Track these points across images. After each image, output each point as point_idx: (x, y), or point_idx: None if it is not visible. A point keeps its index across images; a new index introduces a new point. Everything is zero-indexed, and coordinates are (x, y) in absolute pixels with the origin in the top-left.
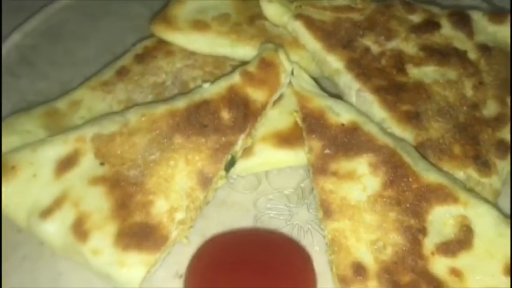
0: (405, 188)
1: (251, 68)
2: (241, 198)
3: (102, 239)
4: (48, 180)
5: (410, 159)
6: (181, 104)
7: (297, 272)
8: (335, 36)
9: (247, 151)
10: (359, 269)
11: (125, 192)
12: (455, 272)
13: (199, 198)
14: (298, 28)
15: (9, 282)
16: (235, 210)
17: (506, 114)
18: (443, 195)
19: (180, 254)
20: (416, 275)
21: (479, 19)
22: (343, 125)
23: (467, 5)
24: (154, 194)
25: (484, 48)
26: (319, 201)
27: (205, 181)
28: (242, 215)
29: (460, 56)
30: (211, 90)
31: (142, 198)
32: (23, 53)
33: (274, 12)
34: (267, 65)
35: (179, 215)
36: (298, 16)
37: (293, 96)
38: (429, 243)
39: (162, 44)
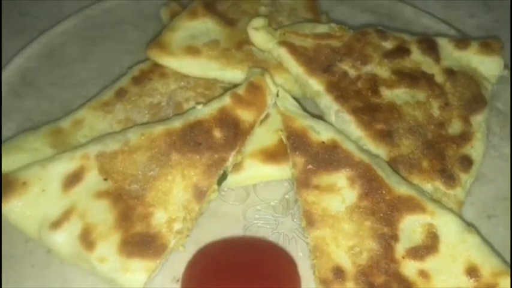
0: (379, 200)
1: (240, 91)
2: (232, 210)
3: (108, 248)
4: (57, 194)
5: (384, 173)
6: (177, 124)
7: (283, 274)
8: (316, 61)
9: (237, 166)
10: (338, 272)
11: (127, 205)
12: (423, 274)
13: (194, 210)
14: (283, 54)
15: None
16: (226, 220)
17: (469, 132)
18: (412, 206)
19: (177, 261)
20: (389, 276)
21: (445, 45)
22: (323, 142)
23: (436, 31)
24: (154, 206)
25: (450, 72)
26: (302, 211)
27: (200, 194)
28: (232, 224)
29: (428, 79)
30: (204, 111)
31: (143, 210)
32: (25, 75)
33: (260, 39)
34: (255, 88)
35: (177, 225)
36: (282, 43)
37: (278, 116)
38: (400, 249)
39: (156, 67)
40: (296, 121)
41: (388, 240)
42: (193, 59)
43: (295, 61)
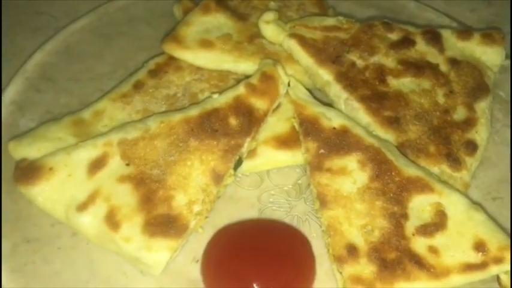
0: (389, 181)
1: (254, 81)
2: (247, 194)
3: (132, 228)
4: (82, 179)
5: (393, 156)
6: (194, 112)
7: (299, 253)
8: (325, 52)
9: (252, 153)
10: (352, 250)
11: (148, 188)
12: (433, 250)
13: (212, 193)
14: (293, 46)
15: (47, 270)
16: (242, 204)
17: (473, 118)
18: (421, 186)
19: (196, 242)
20: (400, 252)
21: (448, 36)
22: (334, 128)
23: (439, 24)
24: (174, 189)
25: (454, 62)
26: (316, 193)
27: (218, 178)
28: (248, 208)
29: (433, 68)
30: (220, 100)
31: (164, 193)
32: (44, 70)
33: (271, 33)
34: (268, 78)
35: (196, 207)
36: (292, 35)
37: (289, 104)
38: (410, 226)
39: (172, 60)
40: (308, 108)
41: (398, 218)
42: (207, 52)
43: (305, 52)
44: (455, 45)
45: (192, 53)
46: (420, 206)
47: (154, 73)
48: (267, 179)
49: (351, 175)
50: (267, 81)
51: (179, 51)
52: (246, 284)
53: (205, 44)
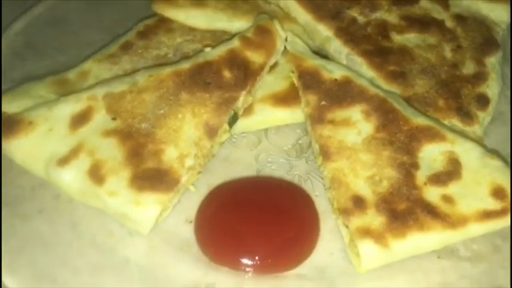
0: (396, 130)
1: (249, 34)
2: (244, 154)
3: (118, 182)
4: (64, 133)
5: (400, 106)
6: (185, 65)
7: (300, 210)
8: (323, 8)
9: (248, 110)
10: (358, 201)
11: (137, 142)
12: (447, 198)
13: (206, 147)
14: (290, 2)
15: (27, 231)
16: (239, 164)
17: (484, 72)
18: (431, 135)
19: (189, 202)
20: (411, 202)
21: None
22: (336, 80)
23: None
24: (164, 143)
25: (460, 18)
26: (318, 146)
27: (211, 131)
28: (245, 168)
29: (438, 24)
30: (212, 53)
31: (153, 147)
32: (28, 38)
33: None
34: (264, 31)
35: (189, 161)
36: None
37: (287, 64)
38: (421, 176)
39: (162, 22)
40: (307, 61)
41: (408, 168)
42: (200, 11)
43: (303, 8)
44: (460, 2)
45: (183, 11)
46: (431, 155)
47: (143, 34)
48: (265, 140)
49: (355, 126)
50: (262, 35)
51: (170, 10)
52: (244, 242)
53: (198, 2)
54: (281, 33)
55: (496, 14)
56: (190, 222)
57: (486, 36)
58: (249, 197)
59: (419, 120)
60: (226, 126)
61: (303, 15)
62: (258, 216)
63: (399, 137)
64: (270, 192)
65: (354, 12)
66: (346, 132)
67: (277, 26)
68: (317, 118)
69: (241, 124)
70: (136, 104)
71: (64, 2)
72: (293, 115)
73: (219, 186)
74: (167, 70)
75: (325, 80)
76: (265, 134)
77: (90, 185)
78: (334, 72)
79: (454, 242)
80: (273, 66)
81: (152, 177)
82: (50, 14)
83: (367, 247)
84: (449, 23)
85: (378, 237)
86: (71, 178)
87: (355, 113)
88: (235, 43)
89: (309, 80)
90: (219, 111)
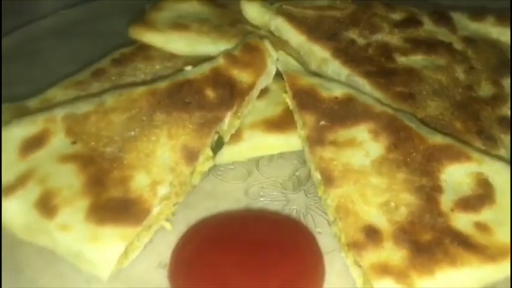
0: (411, 150)
1: (235, 52)
2: (231, 188)
3: (73, 214)
4: (13, 159)
5: (413, 124)
6: (162, 84)
7: (301, 247)
8: (318, 30)
9: (236, 136)
10: (371, 232)
11: (99, 168)
12: (481, 227)
13: (184, 173)
14: (281, 24)
15: None
16: (224, 198)
17: (503, 94)
18: (454, 154)
19: (163, 242)
20: (437, 232)
21: (459, 18)
22: (336, 98)
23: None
24: (133, 168)
25: (469, 40)
26: (319, 170)
27: (191, 155)
28: (232, 203)
29: (447, 46)
30: (194, 72)
31: (120, 173)
32: None
33: (255, 12)
34: (252, 49)
35: (162, 189)
36: (280, 12)
37: (280, 90)
38: (447, 201)
39: (140, 50)
40: (302, 79)
41: (429, 192)
42: (181, 34)
43: (296, 29)
44: (467, 26)
45: (163, 35)
46: (456, 178)
47: (118, 62)
48: (256, 171)
49: (362, 146)
50: (250, 53)
51: (148, 34)
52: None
53: (179, 26)
54: (272, 52)
55: (507, 37)
56: (164, 266)
57: (501, 58)
58: (237, 234)
59: (437, 139)
60: (209, 151)
61: (295, 36)
62: (247, 257)
63: (415, 158)
64: (262, 227)
65: (353, 34)
66: (352, 154)
67: (267, 44)
68: (316, 140)
69: (228, 152)
70: (103, 125)
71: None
72: (288, 142)
73: (200, 221)
74: (140, 89)
75: (323, 99)
76: (257, 165)
77: (37, 217)
78: (333, 90)
79: (495, 280)
80: (264, 92)
81: (116, 208)
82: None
83: (386, 286)
84: (458, 45)
85: (400, 275)
86: (16, 210)
87: (361, 132)
88: (220, 61)
89: (305, 99)
90: (200, 132)
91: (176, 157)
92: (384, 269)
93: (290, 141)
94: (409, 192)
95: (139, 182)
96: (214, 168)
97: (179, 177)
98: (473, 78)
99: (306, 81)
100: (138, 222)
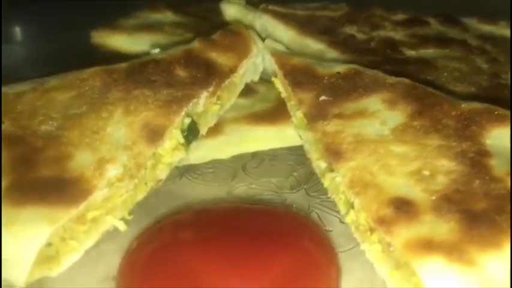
0: (441, 116)
1: (214, 36)
2: (209, 189)
3: None
4: None
5: (436, 91)
6: (121, 65)
7: (297, 236)
8: (310, 25)
9: (216, 130)
10: (402, 205)
11: (29, 147)
12: None
13: (143, 154)
14: (268, 21)
15: None
16: (200, 199)
17: None
18: (496, 117)
19: (113, 248)
20: (494, 199)
21: (469, 22)
22: (339, 73)
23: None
24: (75, 146)
25: (485, 37)
26: (323, 146)
27: (153, 134)
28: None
29: (461, 42)
30: (162, 53)
31: (55, 152)
32: None
33: (237, 13)
34: (233, 34)
35: (112, 169)
36: (265, 10)
37: (269, 92)
38: (499, 165)
39: None
40: (293, 59)
41: (474, 157)
42: (152, 36)
43: (285, 25)
44: (480, 29)
45: (130, 37)
46: (504, 142)
47: None
48: (242, 173)
49: (376, 116)
50: (232, 37)
51: (113, 37)
52: None
53: (150, 28)
54: (257, 40)
55: None
56: (113, 278)
57: None
58: (209, 230)
59: (473, 104)
60: (179, 136)
61: (285, 32)
62: (222, 253)
63: (447, 123)
64: (245, 220)
65: (351, 30)
66: (364, 124)
67: (252, 34)
68: (316, 115)
69: (205, 147)
70: (40, 104)
71: None
72: (281, 134)
73: (161, 222)
74: (93, 69)
75: (322, 75)
76: (243, 168)
77: None
78: (333, 68)
79: None
80: (253, 92)
81: (44, 187)
82: None
83: (434, 267)
84: (473, 42)
85: (452, 250)
86: None
87: (373, 103)
88: (194, 44)
89: (299, 77)
90: (168, 109)
91: (134, 135)
92: (427, 245)
93: (284, 134)
94: (448, 159)
95: (81, 160)
96: (188, 171)
97: (137, 157)
98: (498, 67)
99: (299, 60)
100: (73, 203)
